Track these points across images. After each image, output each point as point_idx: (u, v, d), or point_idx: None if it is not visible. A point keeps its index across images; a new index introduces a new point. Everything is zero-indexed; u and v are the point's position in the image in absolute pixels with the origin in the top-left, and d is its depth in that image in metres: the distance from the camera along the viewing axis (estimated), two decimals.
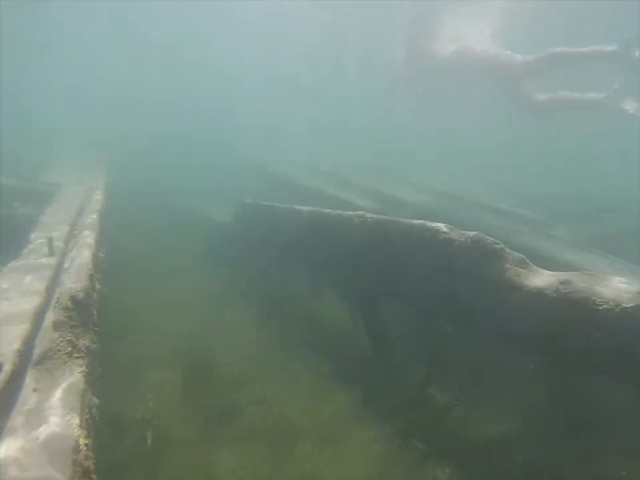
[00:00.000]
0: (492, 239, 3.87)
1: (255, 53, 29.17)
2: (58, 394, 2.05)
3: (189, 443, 4.01)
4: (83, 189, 6.28)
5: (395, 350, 5.57)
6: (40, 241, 4.23)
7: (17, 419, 1.82)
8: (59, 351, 2.24)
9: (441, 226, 4.14)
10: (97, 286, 3.11)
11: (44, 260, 3.67)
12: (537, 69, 12.45)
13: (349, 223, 4.94)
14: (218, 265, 8.32)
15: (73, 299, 2.40)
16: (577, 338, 3.41)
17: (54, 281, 3.33)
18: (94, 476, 1.90)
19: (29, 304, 2.78)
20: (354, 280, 5.49)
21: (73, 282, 2.52)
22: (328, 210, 5.41)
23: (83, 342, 2.35)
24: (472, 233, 3.92)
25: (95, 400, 2.29)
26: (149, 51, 28.25)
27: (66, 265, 3.41)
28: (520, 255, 3.80)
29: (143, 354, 5.24)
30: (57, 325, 2.32)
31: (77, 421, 1.94)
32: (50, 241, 3.84)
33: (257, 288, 7.46)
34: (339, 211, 5.19)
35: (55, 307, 2.38)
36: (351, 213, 4.95)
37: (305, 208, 5.97)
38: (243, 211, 8.16)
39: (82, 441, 1.87)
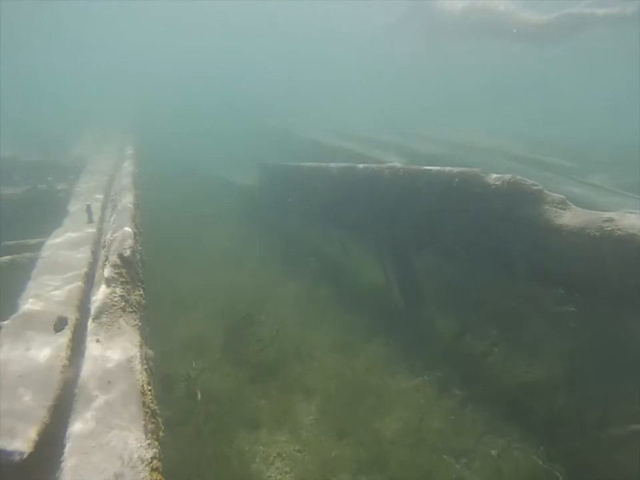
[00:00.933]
0: (530, 180, 3.77)
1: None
2: (119, 344, 2.14)
3: (233, 396, 4.17)
4: (113, 159, 6.35)
5: (429, 302, 5.59)
6: (78, 209, 4.33)
7: (88, 363, 1.91)
8: (114, 305, 2.32)
9: (476, 170, 4.04)
10: (139, 247, 3.18)
11: (85, 226, 3.77)
12: (552, 32, 12.15)
13: (379, 176, 4.87)
14: (247, 226, 8.42)
15: (121, 256, 2.47)
16: (622, 277, 3.34)
17: (97, 244, 3.43)
18: (159, 419, 2.00)
19: (79, 265, 2.88)
20: (385, 234, 5.47)
21: (119, 241, 2.59)
22: (357, 164, 5.34)
23: (134, 297, 2.43)
24: (508, 176, 3.82)
25: (150, 351, 2.38)
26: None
27: (106, 227, 3.50)
28: (560, 195, 3.70)
29: (183, 312, 5.41)
30: (109, 281, 2.39)
31: (139, 367, 2.03)
32: (88, 209, 3.92)
33: (288, 246, 7.54)
34: (369, 165, 5.11)
35: (106, 265, 2.46)
36: (381, 165, 4.87)
37: (332, 165, 5.91)
38: (268, 172, 8.14)
39: (146, 386, 1.96)
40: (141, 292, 2.57)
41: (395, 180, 4.70)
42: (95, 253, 3.19)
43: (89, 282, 2.76)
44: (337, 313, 5.64)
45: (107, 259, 2.50)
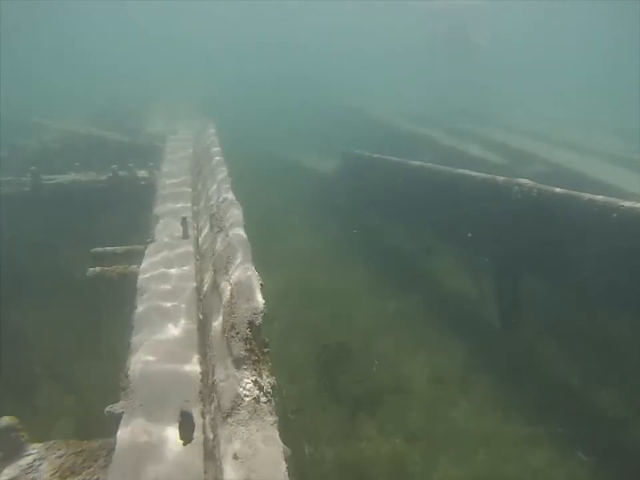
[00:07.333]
0: None
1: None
2: (261, 460, 1.69)
3: (334, 437, 3.78)
4: (191, 144, 5.95)
5: (527, 326, 4.98)
6: (165, 218, 3.97)
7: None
8: (247, 396, 1.87)
9: (636, 204, 3.30)
10: None
11: (181, 244, 3.37)
12: None
13: (504, 191, 4.17)
14: (325, 218, 7.89)
15: (251, 325, 1.99)
16: None
17: (200, 271, 3.01)
18: None
19: (188, 324, 2.46)
20: (495, 250, 4.81)
21: (246, 301, 2.10)
22: (472, 173, 4.64)
23: (267, 379, 1.96)
24: None
25: (288, 449, 1.93)
26: None
27: (207, 249, 3.05)
28: None
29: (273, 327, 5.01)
30: (238, 362, 1.93)
31: None
32: (184, 222, 3.50)
33: (369, 244, 7.00)
34: (492, 176, 4.39)
35: (233, 337, 1.99)
36: (509, 180, 4.16)
37: (423, 164, 5.27)
38: (350, 161, 7.50)
39: None
40: (269, 366, 2.10)
41: (525, 200, 4.00)
42: (200, 290, 2.75)
43: (209, 341, 2.32)
44: (429, 333, 5.12)
45: (232, 327, 2.02)
